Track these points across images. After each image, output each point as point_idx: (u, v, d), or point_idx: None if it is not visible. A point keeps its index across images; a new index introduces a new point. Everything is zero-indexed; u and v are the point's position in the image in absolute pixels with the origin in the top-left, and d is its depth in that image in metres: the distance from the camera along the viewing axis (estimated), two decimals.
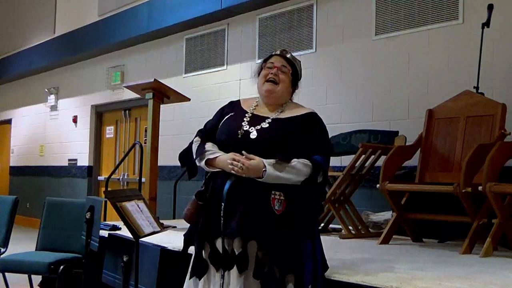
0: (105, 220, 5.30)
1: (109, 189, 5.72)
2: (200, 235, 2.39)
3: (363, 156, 4.19)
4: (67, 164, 9.43)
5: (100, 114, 9.10)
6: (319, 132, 2.46)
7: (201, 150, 2.44)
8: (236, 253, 2.27)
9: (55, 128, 9.88)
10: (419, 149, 3.97)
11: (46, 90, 10.01)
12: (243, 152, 2.30)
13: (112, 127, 8.87)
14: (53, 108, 9.94)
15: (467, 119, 3.79)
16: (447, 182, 3.54)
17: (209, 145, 2.45)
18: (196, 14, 6.76)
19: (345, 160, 4.76)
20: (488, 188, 3.10)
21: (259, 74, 2.58)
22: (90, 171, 8.96)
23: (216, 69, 6.77)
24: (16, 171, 10.96)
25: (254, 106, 2.53)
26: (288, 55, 2.56)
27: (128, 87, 4.77)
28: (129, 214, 2.89)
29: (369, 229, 4.44)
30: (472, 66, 4.10)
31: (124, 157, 6.47)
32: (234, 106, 2.58)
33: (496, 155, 3.24)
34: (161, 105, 4.53)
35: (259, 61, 6.27)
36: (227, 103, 2.65)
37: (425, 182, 3.84)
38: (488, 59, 4.16)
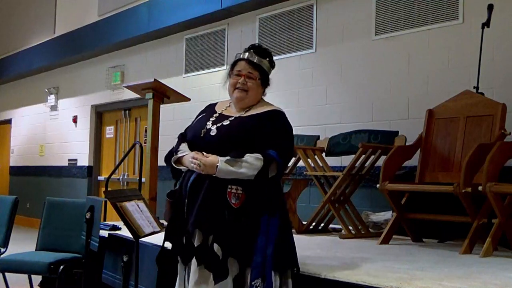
0: (105, 220, 5.30)
1: (109, 189, 5.72)
2: (169, 232, 2.53)
3: (363, 156, 4.19)
4: (67, 164, 9.43)
5: (100, 114, 9.10)
6: (278, 128, 2.49)
7: (174, 150, 2.57)
8: (195, 246, 2.36)
9: (55, 128, 9.88)
10: (419, 149, 3.97)
11: (46, 90, 10.01)
12: (203, 153, 2.39)
13: (112, 127, 8.87)
14: (53, 108, 9.95)
15: (467, 119, 3.79)
16: (447, 182, 3.54)
17: (182, 145, 2.58)
18: (196, 14, 6.76)
19: (345, 160, 4.76)
20: (488, 188, 3.10)
21: (228, 81, 2.64)
22: (90, 171, 8.96)
23: (216, 69, 6.77)
24: (16, 171, 10.96)
25: (226, 107, 2.63)
26: (254, 59, 2.57)
27: (128, 87, 4.77)
28: (129, 214, 2.89)
29: (369, 229, 4.44)
30: (472, 66, 4.10)
31: (124, 157, 6.46)
32: (209, 108, 2.69)
33: (496, 155, 3.24)
34: (161, 105, 4.53)
35: None
36: (206, 105, 2.76)
37: (425, 182, 3.84)
38: (488, 59, 4.16)
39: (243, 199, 2.35)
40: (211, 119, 2.55)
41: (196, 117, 2.70)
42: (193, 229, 2.37)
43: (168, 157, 2.66)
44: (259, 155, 2.36)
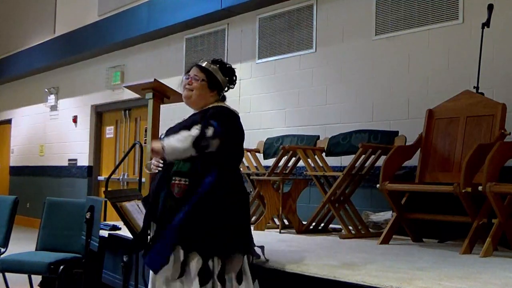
0: (105, 220, 5.30)
1: (109, 189, 5.73)
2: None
3: (363, 156, 4.19)
4: (67, 164, 9.43)
5: (100, 114, 9.10)
6: (216, 113, 2.63)
7: None
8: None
9: (55, 128, 9.88)
10: (419, 149, 3.97)
11: (46, 90, 10.01)
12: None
13: (112, 127, 8.87)
14: (53, 108, 9.95)
15: (467, 119, 3.79)
16: (447, 182, 3.54)
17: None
18: (196, 14, 6.76)
19: (345, 160, 4.76)
20: (488, 188, 3.10)
21: None
22: (90, 171, 8.96)
23: None
24: (16, 171, 10.96)
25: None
26: (203, 64, 2.78)
27: (128, 87, 4.76)
28: (129, 214, 2.90)
29: (369, 229, 4.44)
30: (472, 66, 4.10)
31: (124, 157, 6.47)
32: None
33: (496, 155, 3.24)
34: (161, 105, 4.53)
35: (259, 61, 6.33)
36: None
37: (425, 182, 3.84)
38: (488, 59, 4.16)
39: (185, 189, 2.50)
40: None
41: None
42: (147, 223, 2.60)
43: None
44: (196, 126, 2.54)
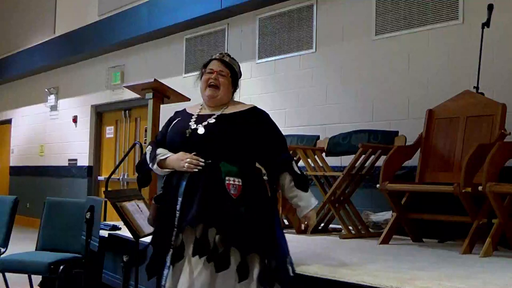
0: (105, 220, 5.30)
1: (109, 189, 5.72)
2: (156, 236, 2.53)
3: (363, 156, 4.19)
4: (67, 164, 9.43)
5: (100, 114, 9.10)
6: (271, 127, 2.63)
7: (153, 155, 2.61)
8: (193, 241, 2.39)
9: (55, 128, 9.88)
10: (419, 149, 3.97)
11: (46, 90, 10.01)
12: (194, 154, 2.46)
13: (112, 127, 8.87)
14: (53, 108, 9.95)
15: (467, 119, 3.79)
16: (447, 182, 3.53)
17: (160, 150, 2.63)
18: (196, 14, 6.76)
19: (345, 160, 4.76)
20: (488, 188, 3.10)
21: (201, 79, 2.71)
22: (90, 171, 8.96)
23: None
24: (16, 171, 10.96)
25: (199, 109, 2.68)
26: (226, 59, 2.69)
27: (128, 87, 4.77)
28: (129, 214, 2.90)
29: (369, 229, 4.44)
30: (472, 66, 4.10)
31: (124, 157, 6.46)
32: (180, 113, 2.75)
33: (496, 155, 3.24)
34: (161, 105, 4.53)
35: (259, 61, 6.33)
36: (173, 113, 2.81)
37: (425, 182, 3.84)
38: (488, 59, 4.16)
39: (240, 189, 2.42)
40: (191, 120, 2.59)
41: (167, 124, 2.74)
42: (196, 223, 2.38)
43: (141, 165, 2.72)
44: (289, 175, 2.57)
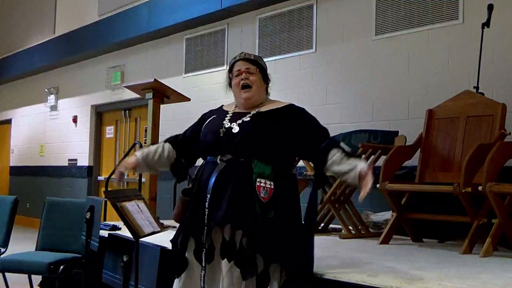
0: (105, 220, 5.30)
1: (109, 189, 5.72)
2: (185, 230, 2.45)
3: (363, 156, 4.18)
4: (67, 164, 9.43)
5: (100, 114, 9.10)
6: (310, 119, 2.57)
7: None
8: (220, 242, 2.32)
9: (55, 128, 9.88)
10: (419, 149, 3.97)
11: (46, 90, 10.01)
12: None
13: (112, 127, 8.87)
14: (53, 108, 9.95)
15: (467, 119, 3.79)
16: (447, 182, 3.53)
17: (148, 148, 2.72)
18: (196, 14, 6.76)
19: None
20: (488, 188, 3.10)
21: (230, 85, 2.62)
22: (90, 171, 8.96)
23: (216, 69, 6.76)
24: (16, 171, 10.96)
25: (234, 107, 2.60)
26: (250, 56, 2.60)
27: (128, 87, 4.77)
28: (129, 214, 2.89)
29: (369, 229, 4.44)
30: (472, 66, 4.10)
31: (124, 157, 6.44)
32: (216, 110, 2.67)
33: (496, 155, 3.24)
34: (161, 105, 4.53)
35: None
36: (207, 110, 2.75)
37: (425, 182, 3.84)
38: (488, 59, 4.16)
39: (271, 193, 2.31)
40: (226, 118, 2.51)
41: (200, 120, 2.67)
42: (223, 224, 2.32)
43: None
44: (338, 151, 2.41)
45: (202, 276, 2.35)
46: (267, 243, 2.29)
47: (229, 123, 2.47)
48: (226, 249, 2.31)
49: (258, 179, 2.32)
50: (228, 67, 2.66)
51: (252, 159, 2.36)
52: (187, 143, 2.65)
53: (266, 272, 2.30)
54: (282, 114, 2.47)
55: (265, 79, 2.60)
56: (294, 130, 2.43)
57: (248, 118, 2.46)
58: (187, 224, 2.45)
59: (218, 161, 2.42)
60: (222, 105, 2.70)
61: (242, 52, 2.65)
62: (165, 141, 2.72)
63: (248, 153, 2.37)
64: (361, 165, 2.32)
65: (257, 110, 2.51)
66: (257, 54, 6.25)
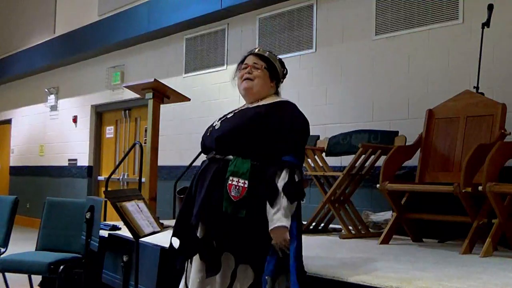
0: (105, 220, 5.30)
1: (109, 189, 5.72)
2: (176, 227, 2.49)
3: (363, 156, 4.19)
4: (67, 164, 9.43)
5: (100, 114, 9.10)
6: (287, 123, 2.37)
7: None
8: (199, 238, 2.33)
9: (55, 128, 9.88)
10: (419, 149, 3.97)
11: (46, 90, 10.01)
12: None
13: (112, 127, 8.87)
14: (53, 108, 9.95)
15: (467, 119, 3.79)
16: (447, 182, 3.54)
17: None
18: (196, 14, 6.76)
19: (345, 160, 4.76)
20: (488, 188, 3.10)
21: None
22: (90, 171, 8.96)
23: (216, 69, 6.77)
24: (16, 171, 10.96)
25: (242, 106, 2.61)
26: (261, 52, 2.58)
27: (128, 87, 4.77)
28: (129, 214, 2.89)
29: (369, 229, 4.44)
30: (472, 66, 4.10)
31: (124, 157, 6.47)
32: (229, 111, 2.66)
33: (496, 155, 3.24)
34: (161, 105, 4.53)
35: None
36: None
37: (425, 182, 3.84)
38: (488, 59, 4.16)
39: (243, 191, 2.27)
40: (223, 116, 2.54)
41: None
42: (196, 222, 2.34)
43: None
44: (283, 173, 2.27)
45: (186, 270, 2.43)
46: (237, 242, 2.28)
47: (217, 121, 2.49)
48: (199, 245, 2.33)
49: (230, 178, 2.29)
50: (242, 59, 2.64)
51: (229, 156, 2.35)
52: None
53: (234, 272, 2.28)
54: (266, 111, 2.41)
55: (273, 77, 2.56)
56: (268, 128, 2.35)
57: (231, 114, 2.47)
58: (180, 220, 2.49)
59: (206, 159, 2.47)
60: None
61: (258, 47, 2.64)
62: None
63: (224, 150, 2.37)
64: (275, 224, 2.21)
65: (246, 106, 2.52)
66: None
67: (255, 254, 2.28)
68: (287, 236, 2.23)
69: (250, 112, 2.43)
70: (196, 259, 2.36)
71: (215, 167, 2.36)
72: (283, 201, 2.24)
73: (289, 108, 2.47)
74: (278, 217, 2.21)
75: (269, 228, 2.22)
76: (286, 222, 2.22)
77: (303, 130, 2.47)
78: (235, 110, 2.57)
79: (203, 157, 2.60)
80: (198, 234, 2.35)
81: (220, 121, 2.48)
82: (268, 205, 2.24)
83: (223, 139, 2.39)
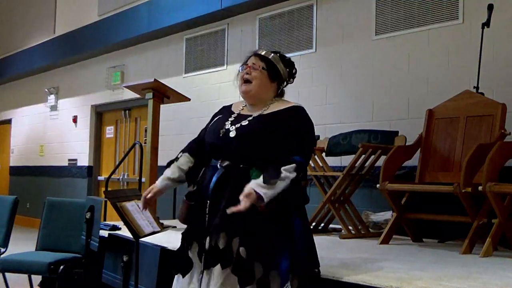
0: (105, 220, 5.30)
1: (109, 189, 5.73)
2: (189, 234, 2.45)
3: (363, 156, 4.19)
4: (67, 164, 9.43)
5: (100, 114, 9.11)
6: (299, 128, 2.41)
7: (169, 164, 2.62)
8: (220, 248, 2.29)
9: (55, 128, 9.88)
10: (419, 149, 3.97)
11: (46, 90, 10.01)
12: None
13: (112, 127, 8.87)
14: (53, 108, 9.95)
15: (467, 119, 3.79)
16: (447, 182, 3.54)
17: (181, 158, 2.57)
18: (196, 14, 6.76)
19: (345, 160, 4.76)
20: (488, 188, 3.10)
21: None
22: (90, 171, 8.96)
23: (216, 69, 6.77)
24: (16, 171, 10.96)
25: (242, 107, 2.57)
26: (263, 52, 2.56)
27: (128, 87, 4.77)
28: (129, 214, 2.89)
29: (369, 229, 4.44)
30: (472, 66, 4.10)
31: (124, 157, 6.47)
32: (225, 109, 2.63)
33: (496, 155, 3.24)
34: (161, 105, 4.53)
35: None
36: (220, 108, 2.70)
37: (425, 182, 3.84)
38: (488, 59, 4.16)
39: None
40: (229, 119, 2.48)
41: (211, 120, 2.62)
42: (218, 232, 2.29)
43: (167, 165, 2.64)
44: (291, 167, 2.26)
45: (200, 279, 2.35)
46: (264, 250, 2.27)
47: (229, 125, 2.44)
48: (221, 256, 2.29)
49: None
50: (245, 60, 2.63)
51: (249, 165, 2.33)
52: (202, 146, 2.57)
53: (265, 279, 2.26)
54: (282, 117, 2.41)
55: (273, 77, 2.54)
56: (285, 134, 2.36)
57: (247, 122, 2.43)
58: (191, 228, 2.45)
59: (218, 166, 2.40)
60: (232, 104, 2.66)
61: (261, 49, 2.63)
62: (183, 152, 2.61)
63: (244, 160, 2.35)
64: (254, 187, 2.21)
65: (259, 112, 2.47)
66: None
67: (278, 260, 2.28)
68: (250, 202, 2.18)
69: (267, 123, 2.40)
70: (219, 273, 2.28)
71: (235, 176, 2.32)
72: (278, 183, 2.22)
73: (301, 114, 2.49)
74: (262, 185, 2.20)
75: (248, 185, 2.20)
76: (264, 195, 2.18)
77: (313, 135, 2.55)
78: (240, 109, 2.54)
79: None
80: (220, 245, 2.29)
81: (234, 127, 2.42)
82: (260, 178, 2.22)
83: (244, 150, 2.35)
